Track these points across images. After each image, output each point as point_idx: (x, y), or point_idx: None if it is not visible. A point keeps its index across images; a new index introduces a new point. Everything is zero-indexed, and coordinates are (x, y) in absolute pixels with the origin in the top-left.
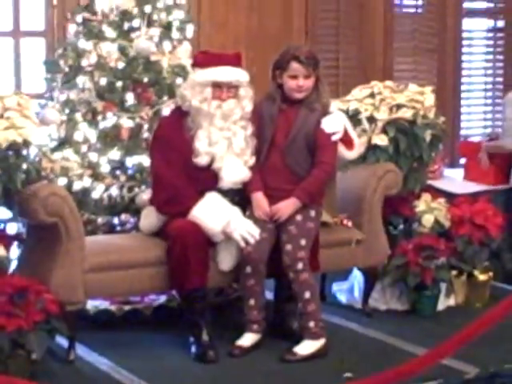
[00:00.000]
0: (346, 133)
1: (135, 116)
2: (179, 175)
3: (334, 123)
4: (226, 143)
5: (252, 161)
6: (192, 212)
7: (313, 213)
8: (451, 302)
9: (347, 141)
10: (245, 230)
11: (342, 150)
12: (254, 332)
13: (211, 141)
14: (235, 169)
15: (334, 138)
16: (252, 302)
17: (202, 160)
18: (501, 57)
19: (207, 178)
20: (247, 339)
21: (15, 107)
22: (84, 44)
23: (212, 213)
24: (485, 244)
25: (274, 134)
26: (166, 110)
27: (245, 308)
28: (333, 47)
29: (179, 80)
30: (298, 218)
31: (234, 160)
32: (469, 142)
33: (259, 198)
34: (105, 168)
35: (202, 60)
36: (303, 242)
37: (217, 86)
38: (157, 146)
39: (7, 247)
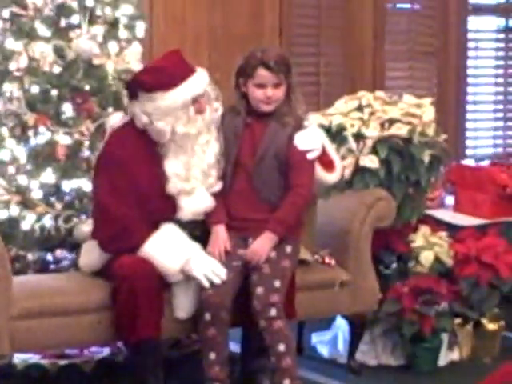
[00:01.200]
0: (324, 152)
1: (73, 131)
2: (129, 205)
3: (309, 139)
4: (201, 168)
5: (218, 186)
6: (144, 247)
7: (289, 248)
8: (455, 355)
9: (326, 161)
10: (209, 268)
11: (320, 171)
12: None
13: (189, 165)
14: (198, 196)
15: (310, 156)
16: (213, 355)
17: (173, 188)
18: None
19: (163, 208)
20: None
21: None
22: (12, 44)
23: (169, 248)
24: (494, 287)
25: (239, 152)
26: (114, 119)
27: (204, 363)
28: (312, 50)
29: None
30: (272, 254)
31: (196, 187)
32: (461, 165)
33: (218, 233)
34: (37, 194)
35: (165, 79)
36: (277, 283)
37: (195, 99)
38: (103, 167)
39: None
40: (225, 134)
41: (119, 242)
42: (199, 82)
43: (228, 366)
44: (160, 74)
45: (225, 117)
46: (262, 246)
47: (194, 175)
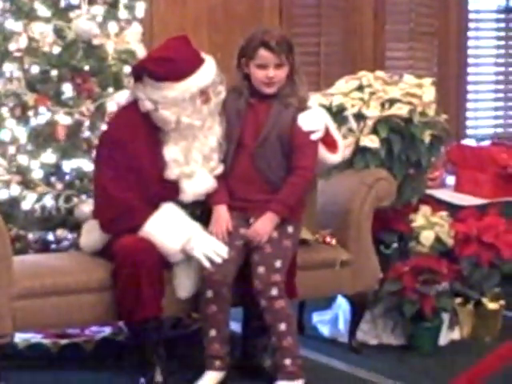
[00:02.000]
0: (327, 132)
1: (74, 111)
2: (130, 185)
3: (312, 120)
4: (201, 152)
5: (220, 169)
6: (144, 227)
7: (290, 229)
8: (455, 335)
9: (329, 142)
10: (210, 248)
11: (323, 152)
12: (216, 370)
13: (189, 149)
14: (199, 178)
15: (314, 137)
16: (213, 332)
17: (172, 173)
18: None
19: (164, 190)
20: (209, 379)
21: None
22: (12, 24)
23: (169, 228)
24: (495, 266)
25: (242, 133)
26: (120, 97)
27: (205, 341)
28: (313, 30)
29: (127, 68)
30: (274, 234)
31: (197, 169)
32: (462, 145)
33: (219, 213)
34: (37, 174)
35: (175, 70)
36: (278, 263)
37: (202, 91)
38: (104, 149)
39: None
40: (227, 114)
41: (120, 223)
42: (208, 72)
43: (228, 344)
44: (170, 65)
45: (227, 98)
46: (263, 226)
47: (193, 158)
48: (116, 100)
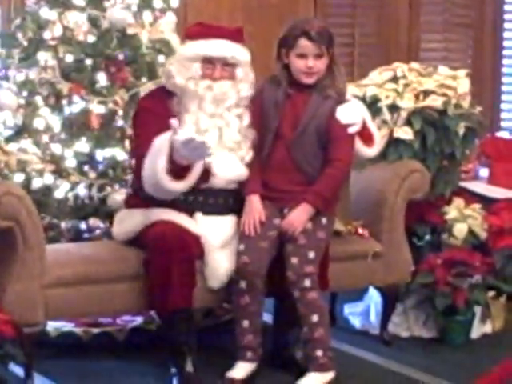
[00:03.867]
0: (364, 125)
1: (108, 100)
2: None
3: (350, 113)
4: (216, 133)
5: (249, 156)
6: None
7: (324, 220)
8: (487, 328)
9: (366, 135)
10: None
11: (359, 146)
12: (248, 361)
13: (199, 128)
14: (230, 164)
15: (351, 130)
16: (246, 323)
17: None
18: None
19: None
20: (240, 370)
21: None
22: (47, 13)
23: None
24: None
25: (280, 124)
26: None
27: (237, 331)
28: (347, 20)
29: (161, 58)
30: (308, 225)
31: (227, 155)
32: (496, 137)
33: (252, 203)
34: (70, 162)
35: (194, 31)
36: (312, 254)
37: (208, 62)
38: (142, 117)
39: None
40: (265, 105)
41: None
42: (219, 47)
43: (261, 336)
44: (196, 27)
45: (265, 88)
46: (298, 217)
47: (225, 144)
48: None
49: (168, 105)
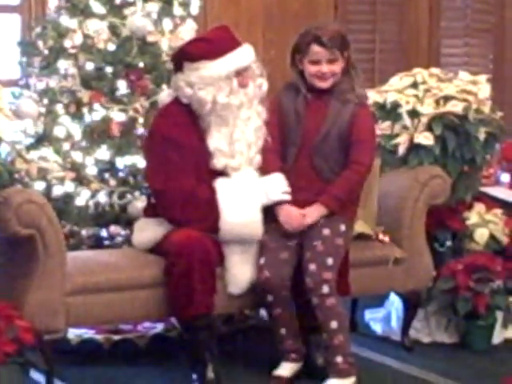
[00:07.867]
0: None
1: (128, 108)
2: (180, 178)
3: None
4: (245, 142)
5: (257, 160)
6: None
7: (343, 227)
8: (509, 333)
9: None
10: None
11: None
12: (293, 361)
13: (232, 140)
14: (245, 172)
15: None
16: (283, 331)
17: (218, 163)
18: None
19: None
20: (285, 369)
21: None
22: (67, 21)
23: (239, 202)
24: None
25: (304, 132)
26: (163, 96)
27: (277, 339)
28: (368, 26)
29: None
30: (326, 232)
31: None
32: None
33: (289, 209)
34: (91, 170)
35: (210, 49)
36: (330, 261)
37: (238, 72)
38: (152, 147)
39: None
40: (285, 115)
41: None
42: (244, 55)
43: (300, 337)
44: (205, 44)
45: (283, 95)
46: (310, 212)
47: (238, 150)
48: (161, 99)
49: (187, 120)
